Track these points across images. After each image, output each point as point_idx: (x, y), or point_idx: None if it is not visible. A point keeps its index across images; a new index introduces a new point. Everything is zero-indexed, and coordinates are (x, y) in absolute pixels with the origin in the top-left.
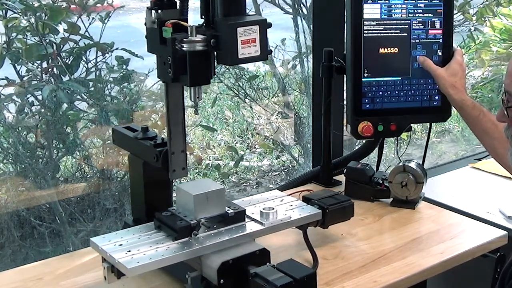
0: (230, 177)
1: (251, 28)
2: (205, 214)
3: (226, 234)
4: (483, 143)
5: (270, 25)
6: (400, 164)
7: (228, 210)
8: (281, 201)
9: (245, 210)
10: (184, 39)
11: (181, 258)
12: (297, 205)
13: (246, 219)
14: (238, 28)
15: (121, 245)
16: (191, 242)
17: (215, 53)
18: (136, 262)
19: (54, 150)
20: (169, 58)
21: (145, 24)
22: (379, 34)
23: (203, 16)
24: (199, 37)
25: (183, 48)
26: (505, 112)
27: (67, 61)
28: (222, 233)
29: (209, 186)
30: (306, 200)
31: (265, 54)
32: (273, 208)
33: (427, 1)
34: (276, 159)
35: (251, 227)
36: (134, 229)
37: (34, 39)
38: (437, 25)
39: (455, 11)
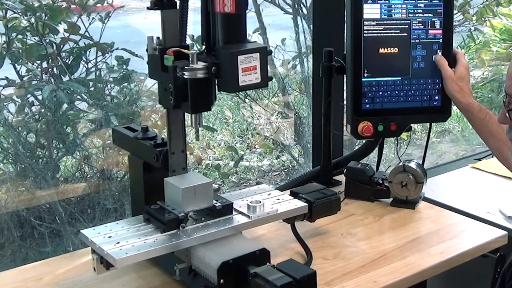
0: (230, 177)
1: (252, 55)
2: (193, 207)
3: (213, 226)
4: (489, 145)
5: (270, 52)
6: (400, 164)
7: (216, 203)
8: (269, 195)
9: (232, 203)
10: (186, 67)
11: (169, 250)
12: (284, 199)
13: (234, 212)
14: (238, 56)
15: (110, 237)
16: (179, 234)
17: (216, 80)
18: (125, 253)
19: (54, 150)
20: (171, 85)
21: (147, 50)
22: (379, 34)
23: (204, 43)
24: (200, 65)
25: (184, 76)
26: (507, 114)
27: (67, 61)
28: (209, 226)
29: (197, 180)
30: (294, 194)
31: (265, 81)
32: (260, 202)
33: (427, 1)
34: (276, 159)
35: (238, 220)
36: (123, 221)
37: (34, 39)
38: (437, 25)
39: (455, 11)
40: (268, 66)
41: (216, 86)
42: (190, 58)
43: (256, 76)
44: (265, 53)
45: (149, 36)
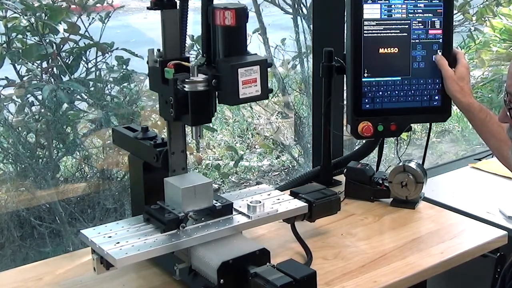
0: (230, 177)
1: (252, 68)
2: (193, 207)
3: (213, 226)
4: (489, 145)
5: (270, 65)
6: (400, 164)
7: (216, 203)
8: (269, 195)
9: (232, 203)
10: (186, 80)
11: (169, 250)
12: (284, 199)
13: (234, 212)
14: (239, 69)
15: (110, 237)
16: (179, 234)
17: (216, 92)
18: (125, 253)
19: (54, 150)
20: (171, 98)
21: (147, 62)
22: (379, 34)
23: (204, 55)
24: (201, 77)
25: (184, 89)
26: (508, 113)
27: (67, 61)
28: (209, 226)
29: (197, 180)
30: (294, 194)
31: (265, 93)
32: (260, 202)
33: (427, 1)
34: (276, 159)
35: (238, 219)
36: (123, 221)
37: (34, 39)
38: (437, 25)
39: (455, 11)
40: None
41: (217, 99)
42: (190, 71)
43: (256, 89)
44: (265, 65)
45: (149, 49)
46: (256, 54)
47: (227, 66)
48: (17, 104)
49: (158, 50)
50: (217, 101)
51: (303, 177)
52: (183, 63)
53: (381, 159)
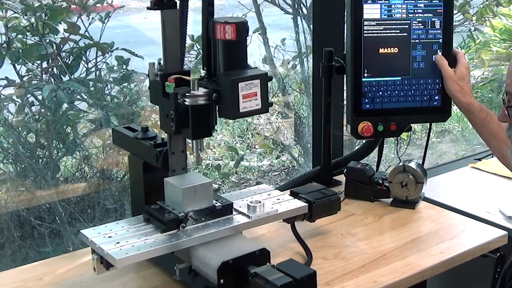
0: (230, 177)
1: (252, 82)
2: (193, 207)
3: (213, 226)
4: (489, 145)
5: (271, 78)
6: (400, 164)
7: (216, 203)
8: (269, 195)
9: (232, 203)
10: (187, 94)
11: (169, 250)
12: (284, 199)
13: (234, 212)
14: (239, 83)
15: (110, 237)
16: (179, 234)
17: (216, 106)
18: (125, 253)
19: (54, 150)
20: (172, 112)
21: (148, 75)
22: (379, 34)
23: (205, 68)
24: (201, 91)
25: (185, 103)
26: (506, 112)
27: (67, 61)
28: (209, 226)
29: (197, 180)
30: (294, 194)
31: (266, 107)
32: (260, 202)
33: (427, 1)
34: (276, 159)
35: (238, 220)
36: (123, 221)
37: (34, 39)
38: (437, 25)
39: (455, 11)
40: (268, 66)
41: (217, 112)
42: (191, 85)
43: (256, 103)
44: (265, 79)
45: (150, 62)
46: (256, 67)
47: (228, 80)
48: (17, 104)
49: (159, 63)
50: (217, 115)
51: (303, 177)
52: (184, 77)
53: (381, 159)
